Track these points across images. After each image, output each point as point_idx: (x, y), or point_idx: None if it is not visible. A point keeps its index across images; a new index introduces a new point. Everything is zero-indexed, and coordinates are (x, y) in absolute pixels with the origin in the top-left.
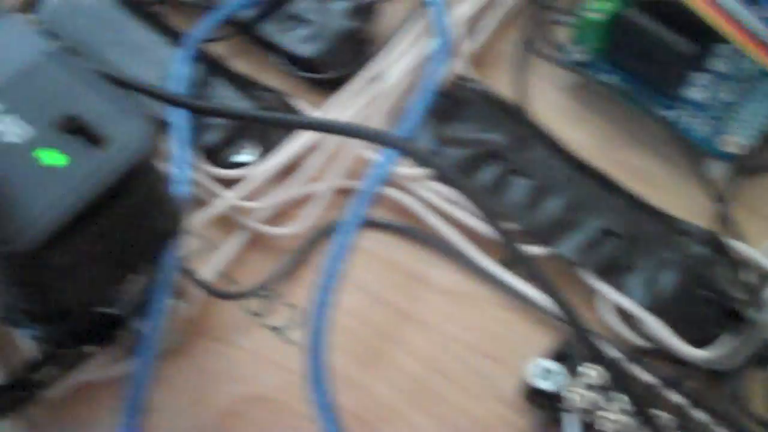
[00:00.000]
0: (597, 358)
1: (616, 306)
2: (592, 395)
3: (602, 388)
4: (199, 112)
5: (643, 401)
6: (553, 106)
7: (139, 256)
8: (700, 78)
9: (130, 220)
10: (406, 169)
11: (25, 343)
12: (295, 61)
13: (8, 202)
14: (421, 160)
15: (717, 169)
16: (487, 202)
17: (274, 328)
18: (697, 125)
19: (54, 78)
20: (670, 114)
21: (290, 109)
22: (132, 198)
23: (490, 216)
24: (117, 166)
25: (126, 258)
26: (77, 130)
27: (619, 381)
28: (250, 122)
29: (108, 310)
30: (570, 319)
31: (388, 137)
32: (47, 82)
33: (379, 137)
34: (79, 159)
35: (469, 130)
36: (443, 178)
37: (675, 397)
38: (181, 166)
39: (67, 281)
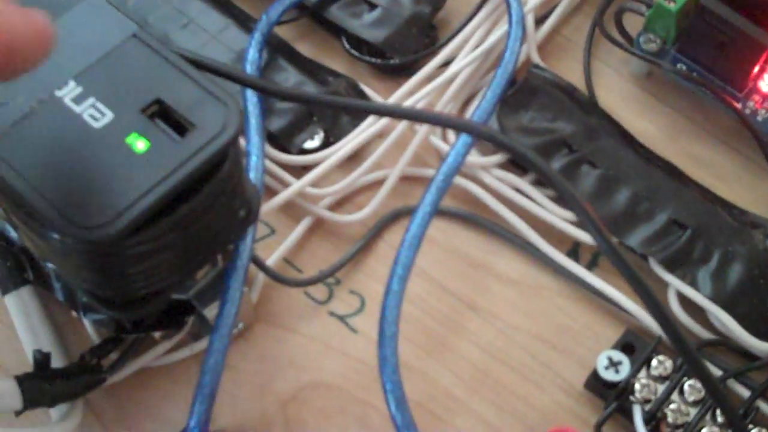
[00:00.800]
0: (684, 351)
1: (683, 298)
2: (658, 386)
3: (667, 379)
4: (275, 96)
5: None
6: (622, 96)
7: (216, 244)
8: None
9: (211, 208)
10: (472, 157)
11: (90, 327)
12: (363, 45)
13: (91, 187)
14: (502, 145)
15: None
16: (571, 189)
17: (338, 316)
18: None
19: (138, 61)
20: (743, 105)
21: (360, 94)
22: (214, 187)
23: (575, 202)
24: (201, 154)
25: (203, 246)
26: (162, 115)
27: (697, 371)
28: (321, 106)
29: (180, 296)
30: (658, 312)
31: (469, 123)
32: (131, 66)
33: (460, 123)
34: (163, 145)
35: (538, 118)
36: (525, 162)
37: (740, 389)
38: (254, 153)
39: (146, 268)
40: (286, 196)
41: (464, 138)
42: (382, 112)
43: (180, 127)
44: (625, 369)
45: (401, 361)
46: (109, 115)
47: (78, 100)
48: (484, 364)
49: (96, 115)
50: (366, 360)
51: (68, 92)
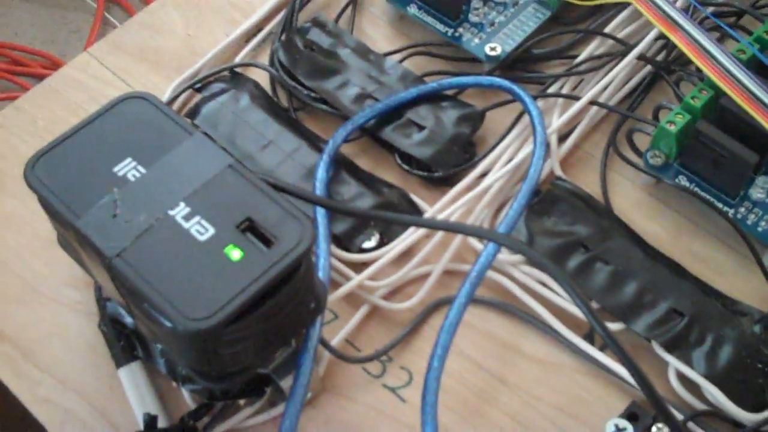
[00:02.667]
0: (666, 418)
1: (681, 375)
2: None
3: None
4: (342, 213)
5: None
6: (633, 202)
7: (292, 330)
8: (762, 181)
9: (289, 303)
10: (503, 255)
11: (186, 394)
12: (412, 161)
13: (197, 287)
14: (518, 250)
15: None
16: (574, 285)
17: (390, 388)
18: (759, 221)
19: (233, 186)
20: (735, 212)
21: (410, 203)
22: (292, 286)
23: (580, 297)
24: (283, 261)
25: (282, 332)
26: (251, 230)
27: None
28: (383, 221)
29: (262, 371)
30: (645, 387)
31: (494, 234)
32: (228, 190)
33: (487, 234)
34: (253, 255)
35: (559, 223)
36: (536, 264)
37: None
38: (322, 256)
39: (237, 350)
40: (347, 288)
41: (492, 245)
42: (422, 224)
43: (266, 240)
44: None
45: (442, 426)
46: (211, 230)
47: (187, 218)
48: (511, 429)
49: (201, 230)
50: (413, 425)
51: (179, 212)
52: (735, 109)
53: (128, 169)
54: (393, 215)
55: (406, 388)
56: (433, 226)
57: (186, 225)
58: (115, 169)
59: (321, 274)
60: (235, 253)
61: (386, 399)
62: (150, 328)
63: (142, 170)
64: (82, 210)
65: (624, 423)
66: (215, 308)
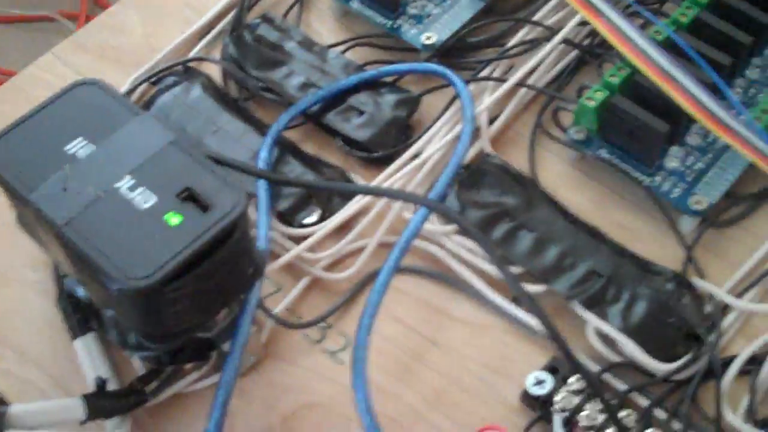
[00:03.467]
0: (578, 370)
1: (598, 330)
2: (574, 399)
3: (582, 393)
4: (278, 183)
5: (613, 404)
6: (559, 176)
7: (230, 293)
8: (675, 150)
9: (226, 265)
10: (435, 226)
11: (137, 363)
12: (353, 143)
13: (139, 250)
14: (448, 217)
15: (688, 224)
16: (495, 250)
17: (329, 352)
18: (673, 189)
19: (175, 160)
20: (651, 180)
21: (348, 181)
22: (227, 249)
23: (499, 261)
24: (218, 225)
25: (221, 294)
26: (190, 198)
27: (593, 387)
28: (316, 190)
29: (204, 335)
30: (558, 342)
31: (423, 199)
32: (170, 163)
33: (415, 198)
34: (191, 220)
35: (488, 195)
36: (464, 231)
37: (642, 401)
38: (262, 227)
39: (178, 310)
40: (287, 258)
41: (422, 211)
42: (362, 191)
43: (203, 206)
44: (548, 385)
45: (377, 385)
46: (153, 199)
47: (131, 189)
48: (441, 386)
49: (143, 199)
50: (349, 385)
51: (124, 183)
52: (649, 85)
53: (79, 147)
54: (329, 183)
55: (344, 351)
56: (367, 191)
57: (130, 195)
58: (66, 147)
59: (262, 244)
60: (174, 219)
61: (325, 362)
62: (99, 294)
63: (92, 148)
64: (35, 185)
65: (544, 375)
66: (155, 267)
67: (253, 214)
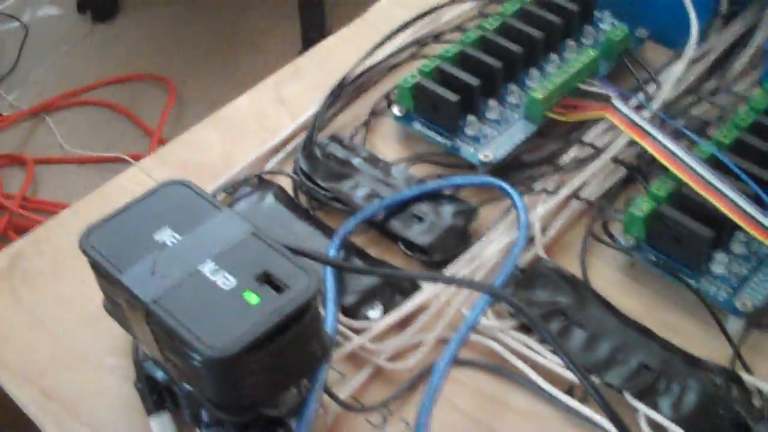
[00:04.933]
0: None
1: (650, 420)
2: None
3: None
4: (346, 270)
5: None
6: (610, 281)
7: (300, 371)
8: (720, 257)
9: (297, 343)
10: (492, 322)
11: None
12: (414, 248)
13: (220, 325)
14: (510, 304)
15: (735, 324)
16: (556, 338)
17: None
18: (719, 292)
19: (254, 248)
20: (699, 284)
21: (412, 283)
22: (300, 327)
23: (565, 354)
24: (292, 304)
25: (291, 371)
26: (268, 281)
27: None
28: (382, 278)
29: (273, 412)
30: (619, 426)
31: (487, 287)
32: (249, 251)
33: (480, 286)
34: (268, 299)
35: (542, 295)
36: (525, 319)
37: None
38: (330, 313)
39: (252, 382)
40: (351, 346)
41: (481, 301)
42: (425, 278)
43: (279, 288)
44: None
45: None
46: (233, 281)
47: (213, 272)
48: None
49: (225, 281)
50: None
51: (207, 267)
52: (693, 195)
53: (167, 236)
54: (396, 271)
55: None
56: (434, 278)
57: (213, 278)
58: (156, 236)
59: (329, 329)
60: (252, 298)
61: None
62: (179, 368)
63: (179, 237)
64: (126, 268)
65: None
66: (234, 340)
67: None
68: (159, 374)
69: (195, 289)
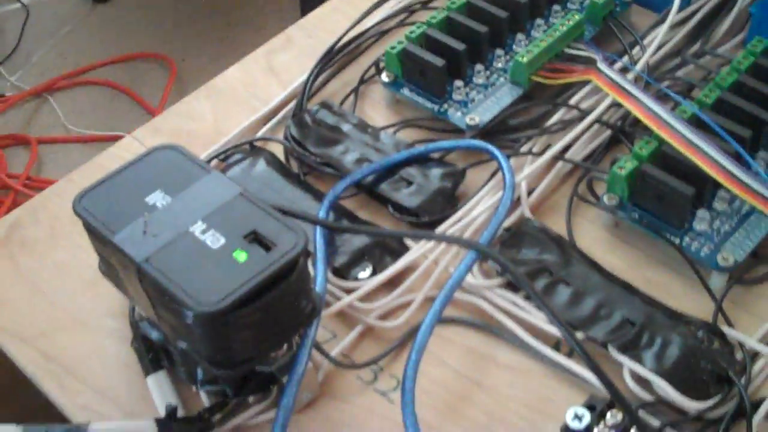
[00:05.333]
0: (618, 399)
1: (633, 372)
2: None
3: (618, 427)
4: (335, 230)
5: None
6: (594, 239)
7: (290, 327)
8: (702, 213)
9: (286, 299)
10: (478, 280)
11: (203, 399)
12: (403, 210)
13: (210, 283)
14: (496, 260)
15: (717, 280)
16: (540, 295)
17: (381, 392)
18: (701, 248)
19: (242, 208)
20: (682, 241)
21: (400, 243)
22: (288, 284)
23: (550, 311)
24: (280, 261)
25: (282, 327)
26: (256, 239)
27: (631, 415)
28: (370, 236)
29: (265, 369)
30: (602, 379)
31: (474, 243)
32: (238, 211)
33: (467, 243)
34: (256, 257)
35: (528, 253)
36: (515, 278)
37: None
38: (320, 272)
39: (244, 337)
40: (341, 305)
41: (468, 258)
42: (413, 236)
43: (267, 246)
44: (586, 420)
45: (426, 422)
46: (222, 240)
47: (203, 231)
48: (486, 423)
49: (214, 240)
50: (399, 422)
51: (197, 227)
52: (675, 154)
53: (157, 198)
54: (383, 230)
55: (394, 391)
56: (422, 237)
57: (202, 237)
58: (147, 199)
59: (318, 288)
60: (241, 256)
61: (377, 401)
62: (174, 325)
63: (169, 199)
64: (118, 230)
65: (582, 410)
66: (225, 295)
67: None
68: (154, 334)
69: (185, 248)
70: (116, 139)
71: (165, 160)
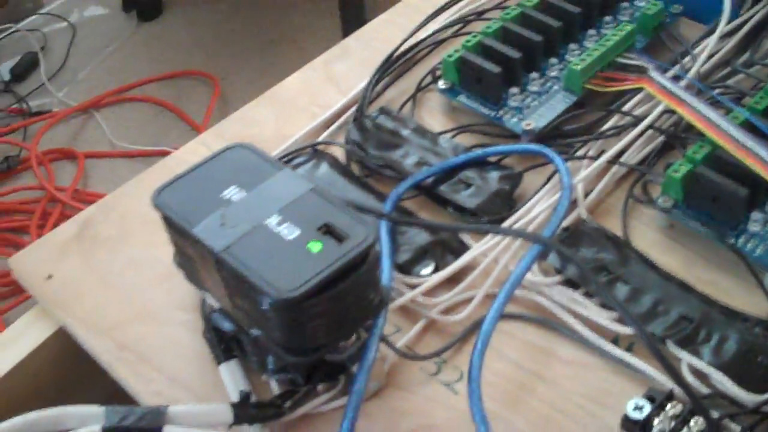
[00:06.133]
0: (686, 392)
1: (692, 366)
2: (671, 422)
3: (678, 418)
4: (401, 223)
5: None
6: (649, 241)
7: (360, 317)
8: (756, 215)
9: (356, 289)
10: (538, 277)
11: (273, 387)
12: (462, 211)
13: (286, 272)
14: (560, 254)
15: None
16: (605, 287)
17: (444, 383)
18: (756, 248)
19: (315, 202)
20: (736, 241)
21: (460, 242)
22: (359, 274)
23: (618, 303)
24: (352, 252)
25: (351, 319)
26: (329, 232)
27: (695, 403)
28: (434, 231)
29: (335, 358)
30: (670, 370)
31: (538, 236)
32: (311, 205)
33: (532, 236)
34: (329, 248)
35: (586, 252)
36: (578, 272)
37: (734, 427)
38: (386, 265)
39: (316, 325)
40: (405, 299)
41: (531, 253)
42: (476, 229)
43: (339, 238)
44: (647, 410)
45: (489, 411)
46: (297, 232)
47: (278, 224)
48: (547, 414)
49: (289, 232)
50: (464, 410)
51: (272, 220)
52: (728, 158)
53: (233, 193)
54: (447, 224)
55: (458, 383)
56: (486, 230)
57: (277, 229)
58: (222, 194)
59: (384, 282)
60: (315, 247)
61: (441, 392)
62: (248, 312)
63: (244, 194)
64: (196, 222)
65: (642, 402)
66: (299, 284)
67: None
68: (226, 325)
69: (262, 239)
70: (161, 154)
71: (238, 157)
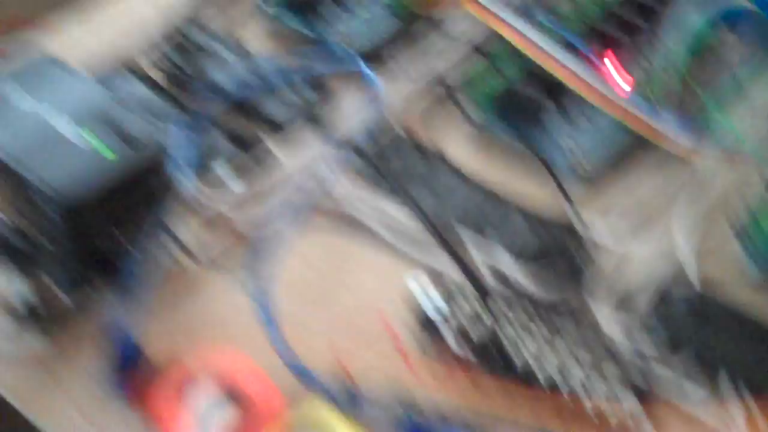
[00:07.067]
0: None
1: (492, 268)
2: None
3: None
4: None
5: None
6: (462, 152)
7: (142, 218)
8: (561, 124)
9: (142, 192)
10: (345, 185)
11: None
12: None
13: (73, 177)
14: (362, 155)
15: (572, 183)
16: (402, 184)
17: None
18: (557, 154)
19: (109, 108)
20: (542, 150)
21: (260, 141)
22: (146, 180)
23: (408, 198)
24: (140, 159)
25: (134, 218)
26: (122, 138)
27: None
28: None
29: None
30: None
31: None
32: (105, 111)
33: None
34: (122, 154)
35: (397, 165)
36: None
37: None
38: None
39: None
40: (209, 212)
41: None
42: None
43: (129, 141)
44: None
45: (287, 312)
46: (88, 136)
47: (68, 127)
48: (348, 318)
49: (80, 137)
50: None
51: (63, 123)
52: (537, 71)
53: (27, 103)
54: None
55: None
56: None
57: (67, 133)
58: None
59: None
60: (107, 152)
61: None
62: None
63: (38, 103)
64: None
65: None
66: (83, 190)
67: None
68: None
69: (47, 141)
70: None
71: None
